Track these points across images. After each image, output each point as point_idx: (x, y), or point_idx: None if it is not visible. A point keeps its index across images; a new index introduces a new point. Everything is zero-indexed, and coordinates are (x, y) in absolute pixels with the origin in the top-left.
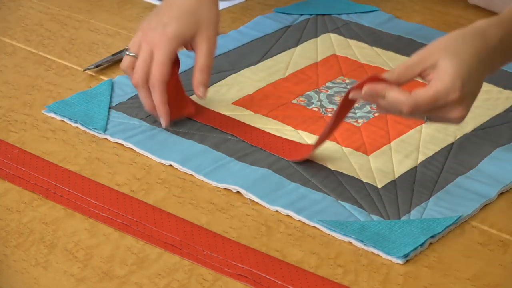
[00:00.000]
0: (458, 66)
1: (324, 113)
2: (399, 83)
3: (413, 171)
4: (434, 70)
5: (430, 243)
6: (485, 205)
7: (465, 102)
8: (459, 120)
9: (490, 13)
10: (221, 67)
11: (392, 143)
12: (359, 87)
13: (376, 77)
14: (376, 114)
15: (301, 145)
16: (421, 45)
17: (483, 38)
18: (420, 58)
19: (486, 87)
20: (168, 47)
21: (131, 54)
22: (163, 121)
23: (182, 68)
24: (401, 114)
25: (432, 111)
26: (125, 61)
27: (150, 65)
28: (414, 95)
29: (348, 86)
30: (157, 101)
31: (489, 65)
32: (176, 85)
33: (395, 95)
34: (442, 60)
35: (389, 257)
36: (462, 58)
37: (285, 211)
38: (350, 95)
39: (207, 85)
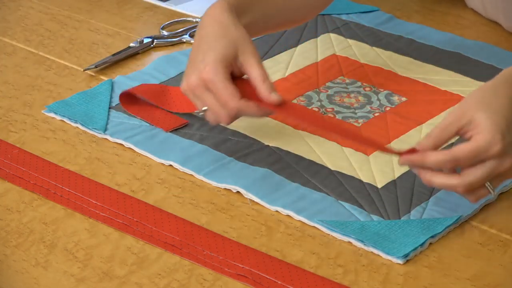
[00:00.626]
0: (495, 118)
1: (324, 113)
2: (437, 147)
3: (413, 171)
4: (471, 126)
5: (430, 243)
6: (485, 205)
7: (509, 152)
8: (508, 169)
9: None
10: None
11: (392, 143)
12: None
13: (413, 150)
14: (376, 114)
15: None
16: (421, 45)
17: None
18: (454, 117)
19: None
20: (217, 72)
21: (204, 109)
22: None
23: (183, 68)
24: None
25: (486, 172)
26: (211, 117)
27: (213, 95)
28: (453, 151)
29: (348, 86)
30: (252, 113)
31: None
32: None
33: (433, 158)
34: (477, 115)
35: (389, 257)
36: (497, 110)
37: (285, 211)
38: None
39: (274, 89)
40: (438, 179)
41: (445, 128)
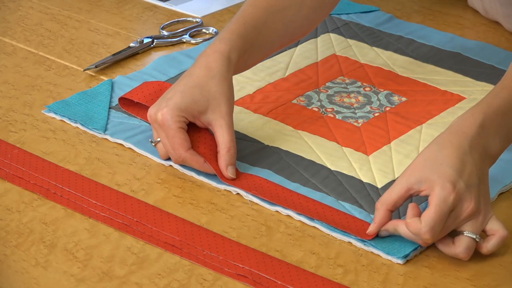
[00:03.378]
0: (441, 170)
1: (324, 113)
2: (394, 210)
3: None
4: (422, 186)
5: None
6: None
7: (467, 195)
8: (472, 212)
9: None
10: None
11: (392, 143)
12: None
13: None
14: (376, 114)
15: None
16: (421, 45)
17: (458, 133)
18: (406, 182)
19: (486, 87)
20: (172, 119)
21: (157, 141)
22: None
23: (183, 68)
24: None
25: (451, 223)
26: (161, 151)
27: (167, 143)
28: (423, 220)
29: (348, 86)
30: (196, 167)
31: (480, 152)
32: (212, 144)
33: (404, 229)
34: (425, 173)
35: (389, 257)
36: (442, 163)
37: (285, 211)
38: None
39: (235, 164)
40: (402, 228)
41: (401, 197)
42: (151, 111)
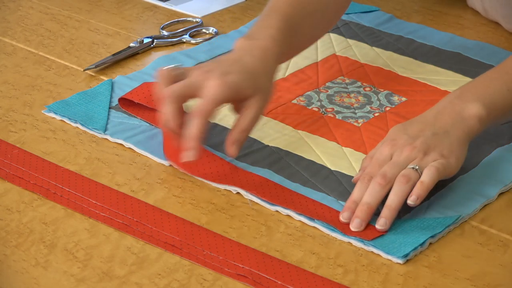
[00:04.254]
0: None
1: (324, 113)
2: None
3: None
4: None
5: (430, 243)
6: (485, 205)
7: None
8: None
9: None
10: None
11: None
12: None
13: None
14: (376, 114)
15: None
16: (421, 45)
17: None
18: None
19: None
20: (224, 91)
21: (180, 67)
22: (190, 156)
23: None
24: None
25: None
26: (170, 69)
27: (196, 92)
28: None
29: (348, 86)
30: (192, 133)
31: (452, 115)
32: None
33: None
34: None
35: (389, 257)
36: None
37: (285, 211)
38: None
39: (241, 146)
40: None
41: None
42: (200, 67)
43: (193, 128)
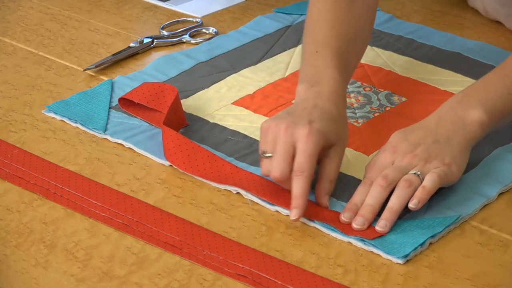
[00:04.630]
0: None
1: None
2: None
3: None
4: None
5: (430, 243)
6: (485, 205)
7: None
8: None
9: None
10: (221, 67)
11: None
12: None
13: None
14: (376, 114)
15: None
16: (421, 45)
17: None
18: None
19: None
20: (317, 140)
21: (268, 155)
22: (295, 213)
23: (183, 68)
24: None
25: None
26: (267, 165)
27: (293, 158)
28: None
29: (348, 86)
30: (297, 192)
31: (453, 120)
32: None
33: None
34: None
35: (389, 257)
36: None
37: (285, 211)
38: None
39: (330, 195)
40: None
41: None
42: (276, 124)
43: (295, 189)
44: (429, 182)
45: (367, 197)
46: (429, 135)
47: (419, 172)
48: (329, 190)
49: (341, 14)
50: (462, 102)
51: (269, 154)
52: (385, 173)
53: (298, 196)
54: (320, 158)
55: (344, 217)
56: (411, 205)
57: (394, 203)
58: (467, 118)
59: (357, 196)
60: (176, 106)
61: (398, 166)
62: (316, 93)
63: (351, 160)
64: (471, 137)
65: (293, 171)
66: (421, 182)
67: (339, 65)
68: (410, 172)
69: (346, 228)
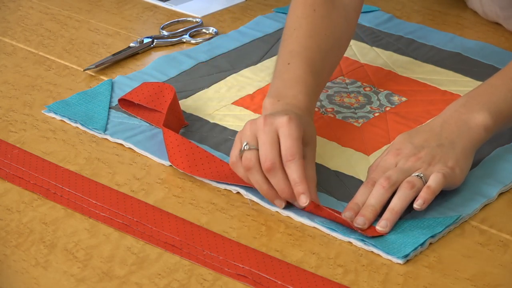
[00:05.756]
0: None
1: (324, 113)
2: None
3: None
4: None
5: (430, 243)
6: (485, 205)
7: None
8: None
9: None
10: (221, 67)
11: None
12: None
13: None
14: (376, 114)
15: None
16: (421, 45)
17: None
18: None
19: None
20: (299, 125)
21: (253, 147)
22: (305, 198)
23: (183, 68)
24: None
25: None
26: (251, 156)
27: (278, 145)
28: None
29: (348, 86)
30: (296, 177)
31: (458, 123)
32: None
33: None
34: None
35: (389, 257)
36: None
37: (285, 213)
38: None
39: (309, 195)
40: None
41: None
42: (255, 120)
43: (293, 174)
44: (434, 182)
45: (369, 197)
46: (433, 138)
47: (422, 175)
48: (308, 191)
49: (319, 23)
50: (467, 105)
51: (253, 146)
52: (388, 174)
53: (298, 181)
54: None
55: (345, 216)
56: (416, 205)
57: (396, 204)
58: (471, 122)
59: (359, 196)
60: (174, 105)
61: (401, 168)
62: (283, 106)
63: (351, 160)
64: (475, 140)
65: (283, 158)
66: (424, 184)
67: (310, 79)
68: (413, 175)
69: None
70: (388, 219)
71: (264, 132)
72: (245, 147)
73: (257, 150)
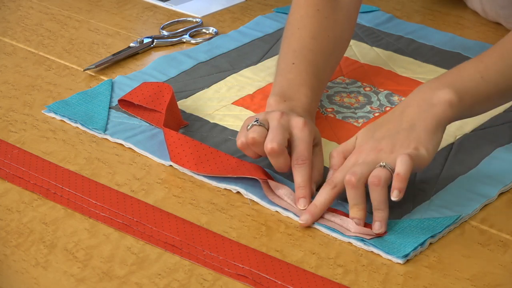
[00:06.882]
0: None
1: (324, 113)
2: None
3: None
4: None
5: (430, 243)
6: (485, 205)
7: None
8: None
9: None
10: (221, 67)
11: None
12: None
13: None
14: (376, 114)
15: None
16: (421, 45)
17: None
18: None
19: None
20: (312, 130)
21: (263, 125)
22: (304, 203)
23: (183, 68)
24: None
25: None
26: (260, 130)
27: (287, 133)
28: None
29: (348, 86)
30: (301, 181)
31: (420, 104)
32: (174, 109)
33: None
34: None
35: (389, 257)
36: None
37: (285, 213)
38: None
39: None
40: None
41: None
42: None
43: (299, 178)
44: (401, 167)
45: (349, 199)
46: (394, 126)
47: (384, 164)
48: (318, 180)
49: (323, 24)
50: (431, 85)
51: (263, 124)
52: (352, 169)
53: (303, 185)
54: None
55: (301, 220)
56: (393, 198)
57: (378, 203)
58: (434, 99)
59: (317, 197)
60: (172, 105)
61: (364, 162)
62: (289, 106)
63: None
64: (439, 117)
65: (295, 160)
66: (390, 172)
67: (314, 82)
68: (376, 166)
69: (345, 231)
70: (379, 219)
71: (278, 122)
72: (256, 122)
73: (267, 129)
